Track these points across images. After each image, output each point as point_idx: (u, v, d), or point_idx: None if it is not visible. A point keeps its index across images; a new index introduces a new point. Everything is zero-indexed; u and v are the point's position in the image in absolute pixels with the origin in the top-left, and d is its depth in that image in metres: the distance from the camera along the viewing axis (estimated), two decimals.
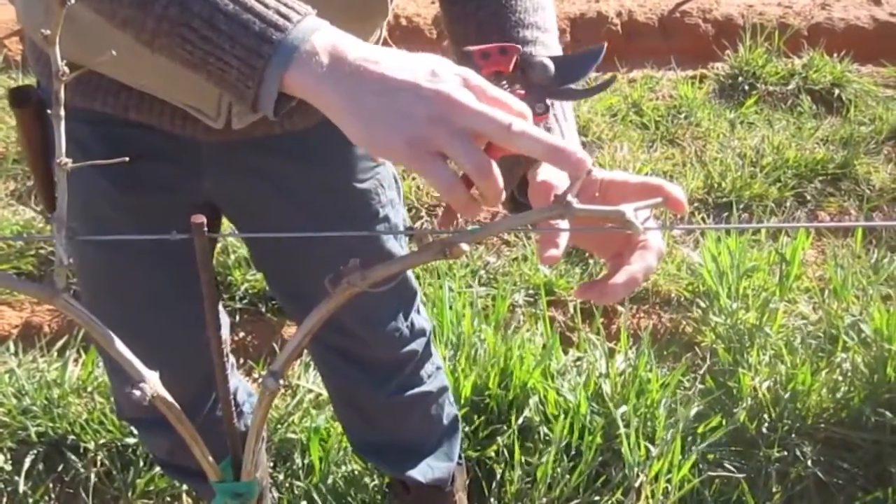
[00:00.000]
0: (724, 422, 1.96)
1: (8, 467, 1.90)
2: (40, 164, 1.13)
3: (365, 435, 1.60)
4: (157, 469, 1.88)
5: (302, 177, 1.20)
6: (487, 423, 1.95)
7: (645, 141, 3.34)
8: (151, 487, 1.89)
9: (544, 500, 1.84)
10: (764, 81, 3.73)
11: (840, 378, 2.11)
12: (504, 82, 0.80)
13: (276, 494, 1.87)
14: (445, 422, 1.62)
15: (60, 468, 1.92)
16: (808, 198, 3.05)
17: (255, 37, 0.71)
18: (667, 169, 3.15)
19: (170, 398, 0.77)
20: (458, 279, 2.44)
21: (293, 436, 1.98)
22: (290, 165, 1.18)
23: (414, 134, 0.69)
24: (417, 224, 2.74)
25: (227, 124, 1.07)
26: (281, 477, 1.92)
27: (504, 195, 0.71)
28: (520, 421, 1.94)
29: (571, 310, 2.42)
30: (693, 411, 1.98)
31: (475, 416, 1.95)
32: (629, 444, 1.86)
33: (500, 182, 0.70)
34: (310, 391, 2.08)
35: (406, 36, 3.86)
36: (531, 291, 2.49)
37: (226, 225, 1.42)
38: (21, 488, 1.85)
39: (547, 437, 1.92)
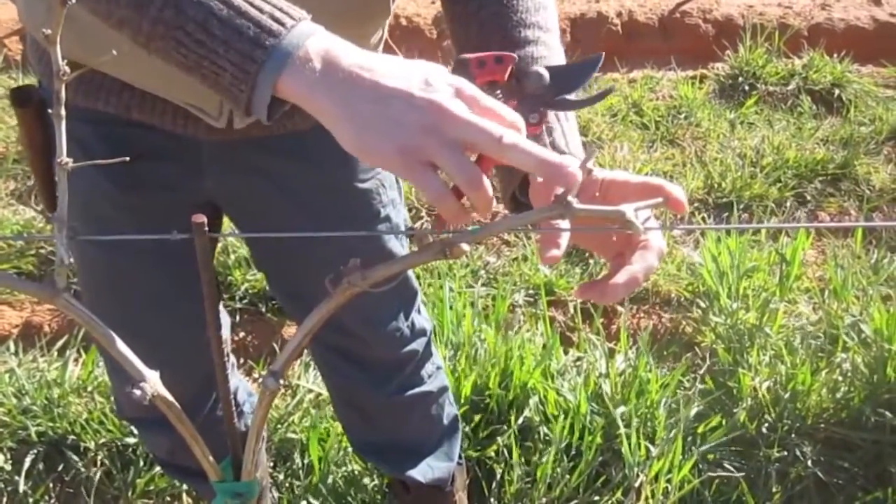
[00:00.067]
0: (724, 422, 1.96)
1: (8, 467, 1.90)
2: (41, 163, 1.13)
3: (365, 435, 1.60)
4: (158, 469, 1.88)
5: (303, 176, 1.20)
6: (487, 423, 1.95)
7: (645, 141, 3.34)
8: (152, 487, 1.89)
9: (544, 500, 1.84)
10: (764, 82, 3.73)
11: (840, 378, 2.11)
12: (498, 92, 0.80)
13: (275, 494, 1.87)
14: (446, 422, 1.62)
15: (61, 468, 1.92)
16: (809, 198, 3.05)
17: (249, 42, 0.72)
18: (667, 169, 3.15)
19: (170, 397, 0.77)
20: (458, 279, 2.44)
21: (293, 436, 1.98)
22: (291, 165, 1.19)
23: (406, 143, 0.69)
24: (418, 224, 2.74)
25: (228, 124, 1.07)
26: (281, 477, 1.93)
27: (492, 205, 0.72)
28: (520, 421, 1.94)
29: (571, 310, 2.42)
30: (693, 411, 1.98)
31: (475, 416, 1.95)
32: (629, 445, 1.86)
33: (490, 193, 0.71)
34: (310, 391, 2.08)
35: (406, 36, 3.86)
36: (531, 291, 2.49)
37: (226, 225, 1.42)
38: (21, 488, 1.86)
39: (547, 437, 1.92)
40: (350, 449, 1.89)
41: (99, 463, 1.93)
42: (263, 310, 2.40)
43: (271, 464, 1.93)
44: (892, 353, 2.05)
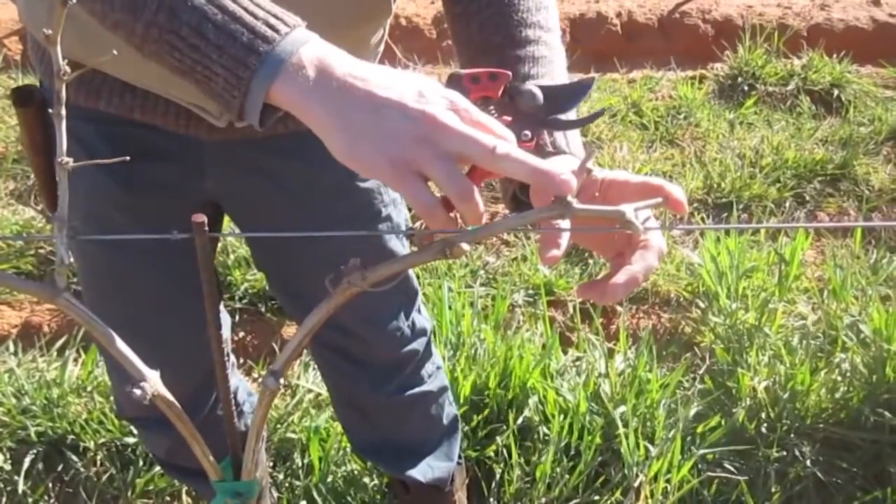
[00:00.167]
0: (723, 422, 1.96)
1: (7, 467, 1.90)
2: (43, 163, 1.13)
3: (365, 434, 1.60)
4: (157, 469, 1.88)
5: (304, 176, 1.20)
6: (487, 423, 1.95)
7: (644, 141, 3.34)
8: (151, 487, 1.89)
9: (543, 499, 1.84)
10: (763, 82, 3.73)
11: (839, 378, 2.11)
12: (492, 108, 0.80)
13: (275, 494, 1.87)
14: (445, 421, 1.62)
15: (60, 468, 1.92)
16: (808, 198, 3.05)
17: (243, 47, 0.72)
18: (666, 169, 3.15)
19: (170, 397, 0.77)
20: (457, 279, 2.44)
21: (293, 435, 1.98)
22: (292, 165, 1.19)
23: (398, 154, 0.69)
24: (417, 224, 2.74)
25: (229, 123, 1.08)
26: (280, 476, 1.93)
27: (482, 219, 0.72)
28: (519, 421, 1.94)
29: (571, 310, 2.42)
30: (692, 411, 1.99)
31: (475, 416, 1.95)
32: (628, 445, 1.86)
33: (481, 206, 0.71)
34: (309, 391, 2.09)
35: (405, 36, 3.87)
36: (531, 291, 2.49)
37: (226, 224, 1.42)
38: (20, 488, 1.86)
39: (546, 437, 1.92)
40: (350, 449, 1.89)
41: (98, 463, 1.93)
42: (263, 310, 2.40)
43: (271, 463, 1.93)
44: (891, 354, 2.05)
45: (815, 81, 3.72)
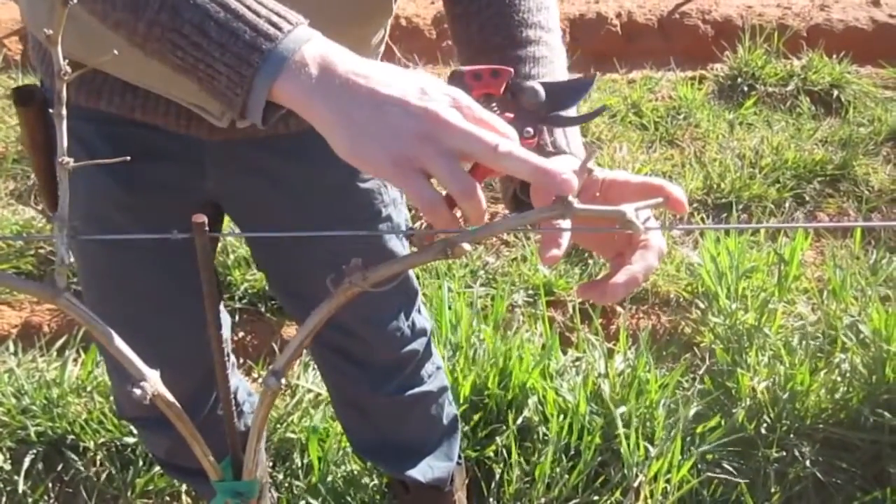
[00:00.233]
0: (722, 422, 1.96)
1: (7, 467, 1.90)
2: (43, 163, 1.13)
3: (365, 434, 1.60)
4: (157, 469, 1.88)
5: (304, 176, 1.20)
6: (486, 423, 1.95)
7: (644, 142, 3.34)
8: (151, 487, 1.89)
9: (543, 499, 1.84)
10: (763, 82, 3.74)
11: (839, 379, 2.11)
12: (494, 105, 0.80)
13: (275, 494, 1.87)
14: (445, 422, 1.62)
15: (60, 468, 1.92)
16: (807, 198, 3.06)
17: (245, 45, 0.72)
18: (666, 170, 3.15)
19: (170, 397, 0.77)
20: (457, 279, 2.44)
21: (292, 435, 1.98)
22: (292, 165, 1.19)
23: (400, 151, 0.69)
24: (417, 224, 2.74)
25: (231, 123, 1.08)
26: (280, 476, 1.93)
27: (485, 217, 0.72)
28: (519, 421, 1.94)
29: (570, 310, 2.42)
30: (692, 412, 1.99)
31: (474, 416, 1.95)
32: (628, 445, 1.86)
33: (484, 203, 0.71)
34: (309, 391, 2.09)
35: (405, 36, 3.87)
36: (530, 292, 2.49)
37: (226, 224, 1.42)
38: (20, 488, 1.86)
39: (546, 437, 1.92)
40: (349, 449, 1.89)
41: (98, 463, 1.93)
42: (263, 310, 2.40)
43: (270, 463, 1.94)
44: (891, 354, 2.05)
45: (815, 82, 3.73)
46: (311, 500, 1.85)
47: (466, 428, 1.92)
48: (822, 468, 1.94)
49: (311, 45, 0.72)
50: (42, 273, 2.47)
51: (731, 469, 1.93)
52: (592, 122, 3.36)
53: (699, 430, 1.96)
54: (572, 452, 1.90)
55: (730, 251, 2.43)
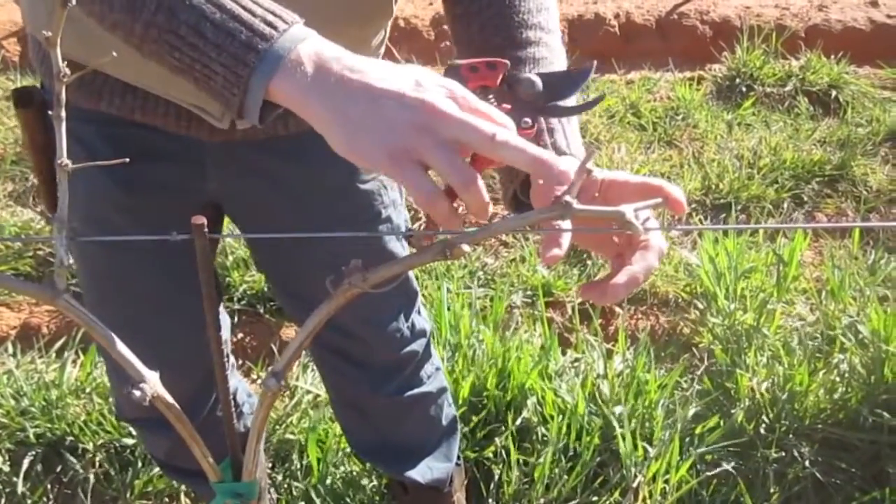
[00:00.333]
0: (721, 422, 1.96)
1: (6, 468, 1.90)
2: (44, 164, 1.13)
3: (364, 435, 1.60)
4: (156, 470, 1.88)
5: (305, 177, 1.20)
6: (485, 424, 1.95)
7: (643, 142, 3.34)
8: (150, 488, 1.89)
9: (542, 500, 1.84)
10: (761, 83, 3.74)
11: (837, 379, 2.11)
12: (491, 97, 0.80)
13: (274, 495, 1.87)
14: (444, 422, 1.62)
15: (59, 469, 1.92)
16: (806, 199, 3.06)
17: (241, 45, 0.72)
18: (664, 170, 3.15)
19: (169, 398, 0.77)
20: (456, 280, 2.44)
21: (291, 437, 1.98)
22: (293, 166, 1.19)
23: (397, 144, 0.69)
24: (416, 226, 2.74)
25: (231, 125, 1.08)
26: (279, 478, 1.93)
27: (490, 208, 0.72)
28: (518, 422, 1.94)
29: (569, 311, 2.42)
30: (691, 412, 1.99)
31: (473, 417, 1.95)
32: (627, 445, 1.86)
33: (485, 195, 0.71)
34: (308, 392, 2.08)
35: (404, 37, 3.87)
36: (529, 292, 2.49)
37: (225, 226, 1.42)
38: (19, 489, 1.85)
39: (545, 438, 1.92)
40: (349, 450, 1.89)
41: (97, 464, 1.93)
42: (261, 311, 2.40)
43: (270, 464, 1.93)
44: (890, 354, 2.05)
45: (813, 82, 3.73)
46: (310, 501, 1.85)
47: (465, 429, 1.92)
48: (821, 468, 1.95)
49: (306, 43, 0.73)
50: (41, 275, 2.47)
51: (729, 469, 1.93)
52: (591, 123, 3.36)
53: (698, 430, 1.96)
54: (571, 453, 1.90)
55: (728, 252, 2.43)
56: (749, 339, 2.21)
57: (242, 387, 1.62)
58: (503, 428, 1.93)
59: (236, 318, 2.36)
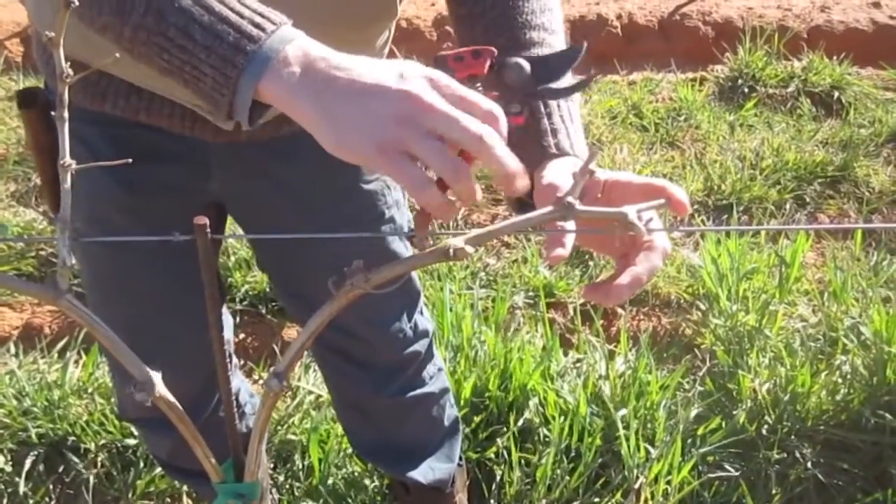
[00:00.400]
0: (723, 424, 1.96)
1: (8, 468, 1.90)
2: (47, 165, 1.13)
3: (366, 436, 1.60)
4: (158, 470, 1.88)
5: (308, 178, 1.20)
6: (487, 425, 1.95)
7: (645, 143, 3.34)
8: (152, 488, 1.89)
9: (544, 501, 1.84)
10: (763, 84, 3.74)
11: (840, 380, 2.11)
12: (479, 85, 0.80)
13: (276, 496, 1.87)
14: (446, 423, 1.62)
15: (61, 469, 1.92)
16: (808, 200, 3.06)
17: (230, 47, 0.73)
18: (666, 171, 3.15)
19: (172, 398, 0.77)
20: (457, 281, 2.44)
21: (293, 437, 1.98)
22: (297, 167, 1.19)
23: (383, 136, 0.70)
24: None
25: (236, 125, 1.08)
26: (281, 478, 1.93)
27: (479, 194, 0.72)
28: (519, 422, 1.94)
29: (571, 312, 2.42)
30: (693, 413, 1.98)
31: (475, 418, 1.95)
32: (629, 446, 1.86)
33: (475, 183, 0.71)
34: (310, 393, 2.08)
35: (406, 38, 3.87)
36: (531, 293, 2.49)
37: (228, 226, 1.42)
38: (21, 489, 1.86)
39: (546, 439, 1.92)
40: (350, 451, 1.89)
41: (99, 464, 1.93)
42: (263, 311, 2.40)
43: (271, 465, 1.93)
44: (892, 356, 2.05)
45: (816, 83, 3.73)
46: (311, 501, 1.85)
47: (467, 429, 1.92)
48: (823, 470, 1.94)
49: (294, 44, 0.73)
50: (43, 275, 2.47)
51: (731, 470, 1.93)
52: (594, 124, 3.36)
53: (700, 431, 1.96)
54: (573, 454, 1.90)
55: (730, 253, 2.43)
56: (751, 340, 2.21)
57: (245, 387, 1.62)
58: (505, 429, 1.93)
59: (238, 319, 2.36)
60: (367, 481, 1.89)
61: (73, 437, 1.94)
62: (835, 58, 3.86)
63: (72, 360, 2.10)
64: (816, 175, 3.13)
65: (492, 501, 1.87)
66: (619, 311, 2.46)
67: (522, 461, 1.88)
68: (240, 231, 1.44)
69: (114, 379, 1.44)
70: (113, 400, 1.95)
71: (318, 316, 0.73)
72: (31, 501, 1.86)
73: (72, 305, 0.70)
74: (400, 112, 0.70)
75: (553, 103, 0.92)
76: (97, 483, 1.90)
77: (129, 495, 1.88)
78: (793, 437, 1.99)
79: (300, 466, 1.94)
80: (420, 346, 1.46)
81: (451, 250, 0.69)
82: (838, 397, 2.06)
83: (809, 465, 1.95)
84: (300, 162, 1.18)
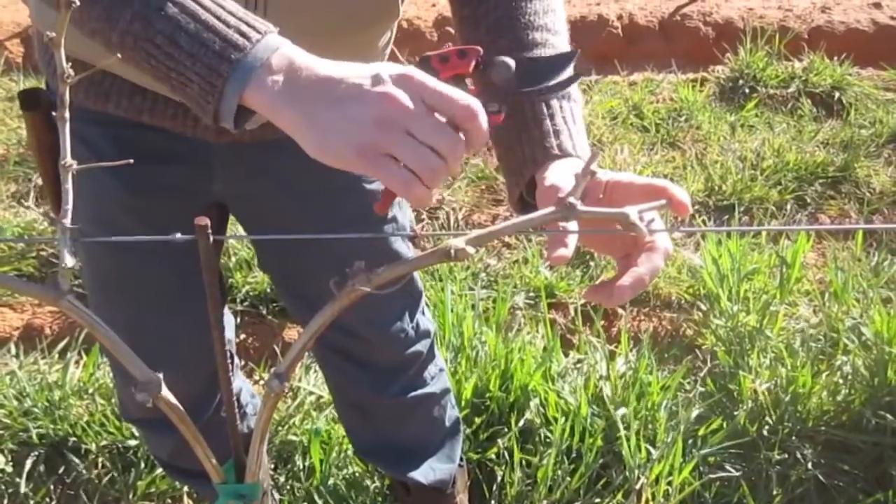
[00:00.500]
0: (724, 424, 1.96)
1: (9, 469, 1.90)
2: (50, 166, 1.13)
3: (367, 436, 1.60)
4: (159, 471, 1.88)
5: (311, 178, 1.20)
6: (488, 425, 1.95)
7: (645, 144, 3.34)
8: (153, 489, 1.89)
9: (545, 502, 1.84)
10: (764, 84, 3.73)
11: (840, 381, 2.11)
12: (465, 84, 0.81)
13: (277, 496, 1.87)
14: (447, 423, 1.62)
15: (61, 470, 1.92)
16: (809, 200, 3.05)
17: (215, 55, 0.74)
18: (667, 172, 3.15)
19: (173, 399, 0.77)
20: (458, 282, 2.44)
21: (294, 438, 1.98)
22: (299, 167, 1.18)
23: (362, 141, 0.72)
24: (420, 226, 2.74)
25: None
26: (282, 479, 1.93)
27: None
28: (520, 423, 1.94)
29: (572, 312, 2.42)
30: (694, 414, 1.98)
31: (476, 419, 1.95)
32: (630, 447, 1.86)
33: (453, 171, 0.75)
34: (311, 393, 2.08)
35: (407, 39, 3.87)
36: (532, 294, 2.49)
37: (229, 227, 1.42)
38: (22, 490, 1.86)
39: (547, 440, 1.92)
40: (351, 451, 1.89)
41: (100, 465, 1.93)
42: (264, 312, 2.40)
43: (272, 466, 1.93)
44: (893, 356, 2.05)
45: (816, 84, 3.72)
46: (312, 502, 1.85)
47: (468, 430, 1.92)
48: (823, 470, 1.94)
49: (278, 53, 0.75)
50: (43, 275, 2.47)
51: (732, 471, 1.93)
52: (594, 124, 3.36)
53: (701, 432, 1.96)
54: (574, 455, 1.90)
55: (731, 253, 2.42)
56: (752, 340, 2.20)
57: (246, 388, 1.61)
58: (506, 429, 1.93)
59: (239, 320, 2.36)
60: (367, 482, 1.89)
61: (73, 438, 1.94)
62: (835, 58, 3.86)
63: (72, 361, 2.10)
64: (817, 175, 3.13)
65: (493, 502, 1.87)
66: (620, 311, 2.46)
67: (523, 462, 1.88)
68: (240, 231, 1.44)
69: (115, 379, 1.44)
70: (114, 400, 1.95)
71: (320, 316, 0.73)
72: (31, 502, 1.86)
73: (73, 306, 0.70)
74: (376, 115, 0.72)
75: (555, 104, 0.92)
76: (98, 484, 1.90)
77: (130, 496, 1.88)
78: (794, 437, 1.99)
79: (301, 467, 1.93)
80: (421, 346, 1.46)
81: (452, 251, 0.69)
82: (839, 398, 2.06)
83: (810, 465, 1.95)
84: (302, 162, 1.17)
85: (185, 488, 1.88)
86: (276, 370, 0.76)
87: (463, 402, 1.94)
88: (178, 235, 0.72)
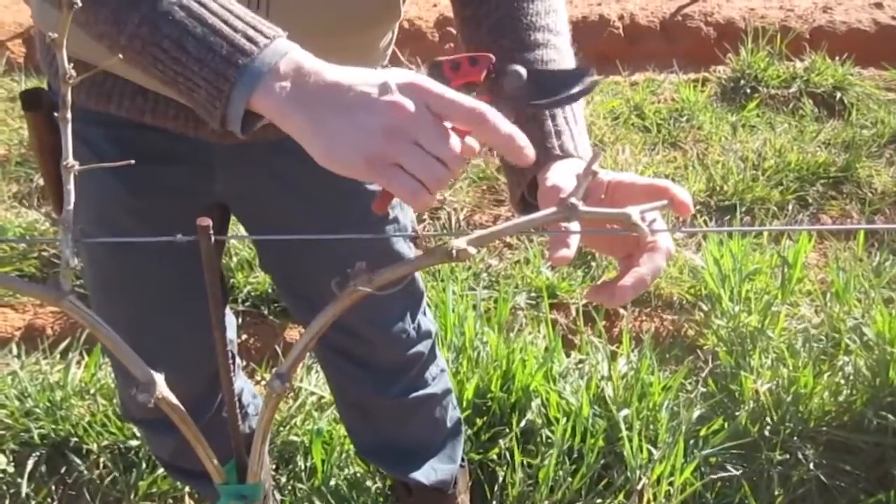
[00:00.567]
0: (726, 425, 1.96)
1: (11, 469, 1.90)
2: (52, 167, 1.13)
3: (368, 437, 1.60)
4: (160, 471, 1.88)
5: (312, 178, 1.20)
6: (489, 426, 1.95)
7: (647, 144, 3.34)
8: (154, 489, 1.89)
9: (546, 502, 1.84)
10: (766, 84, 3.73)
11: (842, 381, 2.11)
12: (475, 93, 0.81)
13: (278, 497, 1.87)
14: (449, 424, 1.62)
15: (63, 470, 1.92)
16: (810, 201, 3.05)
17: (222, 61, 0.74)
18: (669, 172, 3.15)
19: (174, 400, 0.77)
20: (460, 282, 2.44)
21: (296, 438, 1.98)
22: (301, 167, 1.18)
23: (371, 150, 0.72)
24: (419, 226, 2.74)
25: None
26: (283, 479, 1.93)
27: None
28: (522, 423, 1.94)
29: (573, 312, 2.42)
30: (695, 414, 1.98)
31: (477, 419, 1.95)
32: (631, 447, 1.86)
33: (456, 176, 0.75)
34: (312, 394, 2.08)
35: (408, 39, 3.87)
36: (533, 294, 2.49)
37: (230, 227, 1.42)
38: (24, 490, 1.86)
39: (549, 440, 1.92)
40: (353, 452, 1.89)
41: (101, 465, 1.93)
42: (266, 312, 2.40)
43: (274, 466, 1.93)
44: (895, 356, 2.05)
45: (818, 84, 3.72)
46: (314, 503, 1.85)
47: (470, 431, 1.92)
48: (825, 471, 1.94)
49: (287, 58, 0.75)
50: (45, 276, 2.47)
51: (734, 471, 1.93)
52: (596, 125, 3.36)
53: (702, 432, 1.96)
54: (575, 455, 1.90)
55: (733, 253, 2.42)
56: (753, 341, 2.20)
57: (247, 388, 1.62)
58: (507, 430, 1.93)
59: (240, 320, 2.36)
60: (369, 482, 1.89)
61: (75, 438, 1.95)
62: (837, 58, 3.85)
63: (74, 361, 2.10)
64: (819, 176, 3.13)
65: (494, 503, 1.87)
66: (622, 311, 2.46)
67: (525, 462, 1.88)
68: (241, 231, 1.44)
69: (117, 379, 1.44)
70: (115, 401, 1.95)
71: (322, 317, 0.73)
72: (33, 502, 1.86)
73: (74, 306, 0.70)
74: (386, 124, 0.72)
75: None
76: (99, 484, 1.90)
77: (132, 496, 1.88)
78: (795, 438, 1.99)
79: (302, 467, 1.94)
80: (423, 346, 1.46)
81: (453, 251, 0.69)
82: (841, 398, 2.06)
83: (812, 466, 1.95)
84: (304, 162, 1.17)
85: (187, 489, 1.88)
86: (278, 370, 0.76)
87: (464, 403, 1.94)
88: (180, 236, 0.72)
